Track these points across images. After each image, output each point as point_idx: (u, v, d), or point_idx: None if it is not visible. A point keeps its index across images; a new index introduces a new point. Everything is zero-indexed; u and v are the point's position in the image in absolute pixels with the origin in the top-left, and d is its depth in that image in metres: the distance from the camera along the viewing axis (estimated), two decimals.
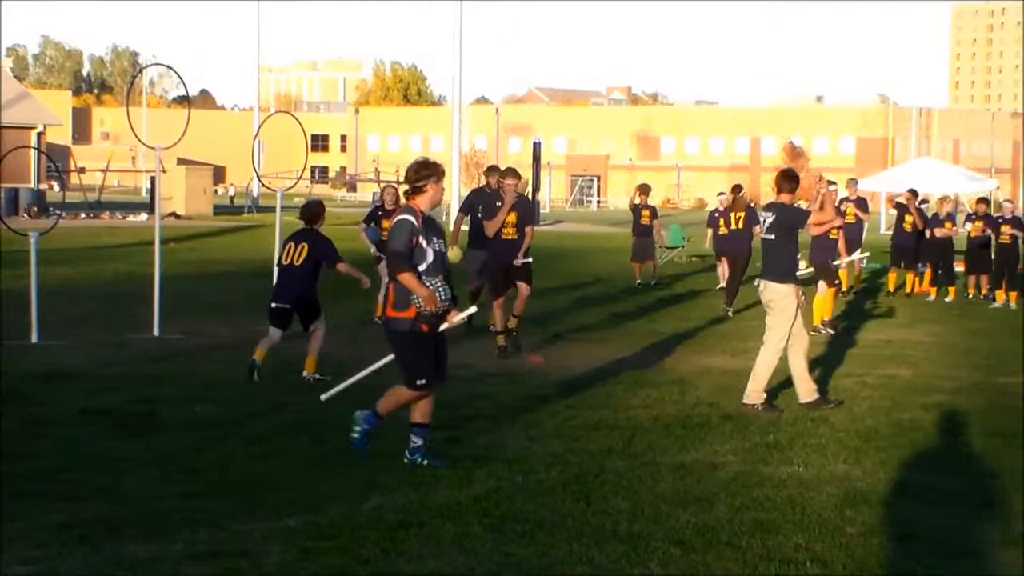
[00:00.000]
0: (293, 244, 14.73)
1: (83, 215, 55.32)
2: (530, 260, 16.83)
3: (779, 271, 12.98)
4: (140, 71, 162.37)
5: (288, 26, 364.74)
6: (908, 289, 27.26)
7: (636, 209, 29.38)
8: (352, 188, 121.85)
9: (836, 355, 17.05)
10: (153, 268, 18.31)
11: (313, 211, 15.15)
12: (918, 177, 46.47)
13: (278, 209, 20.24)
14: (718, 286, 27.75)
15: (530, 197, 30.17)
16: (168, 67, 28.45)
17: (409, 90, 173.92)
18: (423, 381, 9.87)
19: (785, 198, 13.25)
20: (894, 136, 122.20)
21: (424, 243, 9.75)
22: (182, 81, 22.97)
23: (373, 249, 20.22)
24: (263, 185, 32.29)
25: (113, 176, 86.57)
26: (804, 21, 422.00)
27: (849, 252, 27.84)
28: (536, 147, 69.66)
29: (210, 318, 19.85)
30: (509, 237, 16.57)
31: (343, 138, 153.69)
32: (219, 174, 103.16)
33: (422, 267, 9.75)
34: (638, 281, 28.35)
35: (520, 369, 15.33)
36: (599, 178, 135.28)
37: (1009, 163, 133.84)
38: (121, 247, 36.78)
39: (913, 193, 28.55)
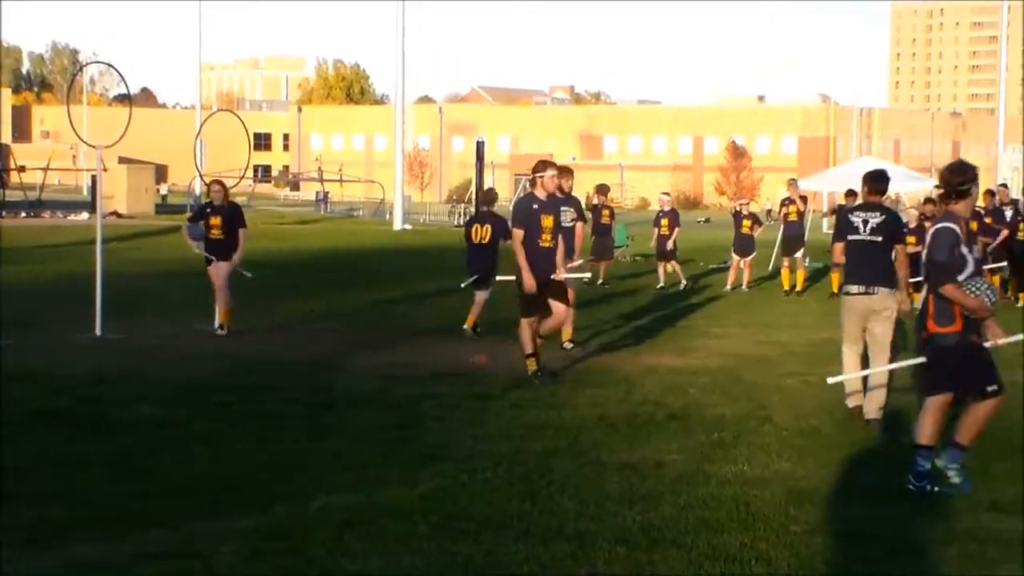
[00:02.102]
0: (479, 225, 18.61)
1: (24, 214, 54.91)
2: (583, 275, 15.47)
3: (891, 277, 12.41)
4: (80, 69, 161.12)
5: (230, 24, 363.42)
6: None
7: (596, 209, 29.49)
8: (295, 187, 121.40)
9: (780, 355, 17.13)
10: (95, 267, 18.20)
11: (491, 196, 19.24)
12: (859, 176, 46.75)
13: None
14: (658, 285, 28.00)
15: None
16: (109, 65, 28.25)
17: (352, 89, 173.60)
18: (994, 387, 9.59)
19: (879, 199, 12.76)
20: (835, 136, 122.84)
21: (965, 251, 9.41)
22: (123, 79, 22.80)
23: (198, 248, 19.01)
24: (205, 184, 32.14)
25: (54, 175, 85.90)
26: (747, 21, 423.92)
27: (792, 251, 28.13)
28: (479, 146, 69.55)
29: (153, 317, 19.74)
30: (547, 245, 14.42)
31: (286, 137, 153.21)
32: (161, 173, 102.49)
33: (962, 276, 9.38)
34: (586, 280, 28.39)
35: (466, 369, 15.31)
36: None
37: (948, 161, 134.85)
38: (63, 246, 36.55)
39: (852, 194, 28.76)
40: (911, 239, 25.73)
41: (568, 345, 17.00)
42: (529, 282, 14.16)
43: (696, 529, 8.25)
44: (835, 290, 27.29)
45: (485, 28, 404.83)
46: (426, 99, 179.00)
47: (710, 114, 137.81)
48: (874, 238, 12.32)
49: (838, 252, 12.97)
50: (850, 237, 12.48)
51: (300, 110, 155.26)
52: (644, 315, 22.13)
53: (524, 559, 7.61)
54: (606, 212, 29.47)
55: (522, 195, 14.95)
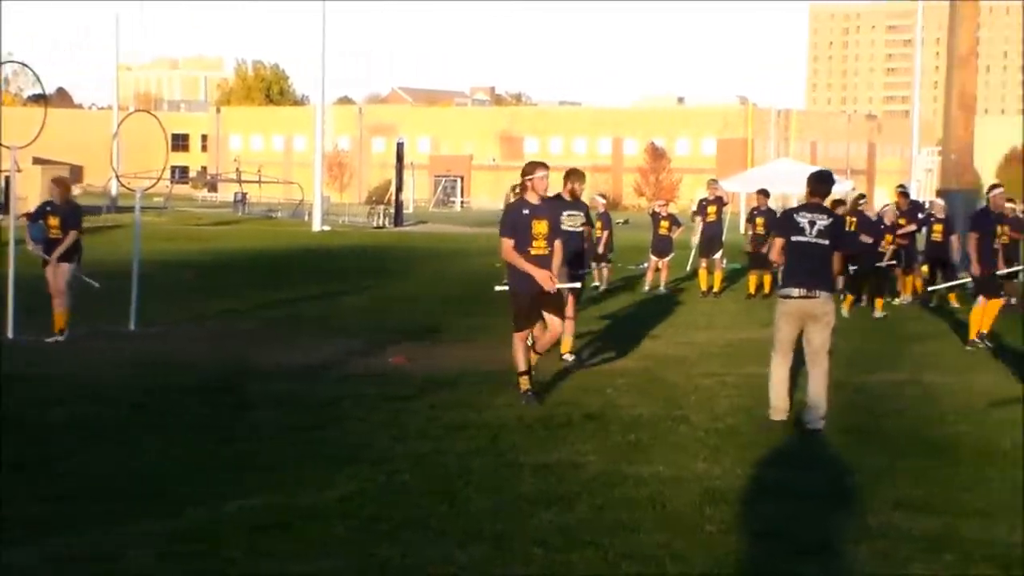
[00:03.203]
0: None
1: None
2: (575, 285, 14.18)
3: (832, 282, 12.30)
4: None
5: (148, 24, 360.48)
6: (767, 290, 27.64)
7: None
8: (213, 188, 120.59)
9: (697, 355, 17.23)
10: (8, 269, 18.01)
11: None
12: (778, 178, 47.21)
13: (137, 209, 20.04)
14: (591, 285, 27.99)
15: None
16: (23, 64, 28.01)
17: (271, 89, 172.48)
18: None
19: (822, 201, 12.49)
20: (754, 137, 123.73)
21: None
22: (38, 79, 22.66)
23: (36, 250, 18.33)
24: (122, 185, 31.83)
25: None
26: (666, 22, 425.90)
27: (710, 252, 28.29)
28: (399, 147, 69.66)
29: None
30: (540, 252, 13.27)
31: (204, 137, 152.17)
32: (77, 174, 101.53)
33: None
34: (505, 281, 28.37)
35: (384, 370, 15.29)
36: (463, 178, 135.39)
37: (864, 164, 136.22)
38: None
39: (764, 193, 29.06)
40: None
41: (568, 357, 16.23)
42: (541, 276, 12.99)
43: (613, 529, 8.28)
44: (752, 291, 27.51)
45: (405, 29, 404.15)
46: (346, 100, 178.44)
47: (630, 115, 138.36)
48: (820, 241, 11.99)
49: (777, 250, 12.37)
50: (794, 238, 12.09)
51: (219, 111, 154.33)
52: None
53: (441, 560, 7.61)
54: None
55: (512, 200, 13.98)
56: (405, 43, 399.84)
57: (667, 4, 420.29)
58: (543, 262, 13.14)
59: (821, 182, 12.46)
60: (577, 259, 16.17)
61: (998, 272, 19.28)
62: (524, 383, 13.20)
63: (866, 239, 24.47)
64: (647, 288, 28.21)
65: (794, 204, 32.92)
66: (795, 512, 8.88)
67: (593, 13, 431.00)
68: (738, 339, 19.25)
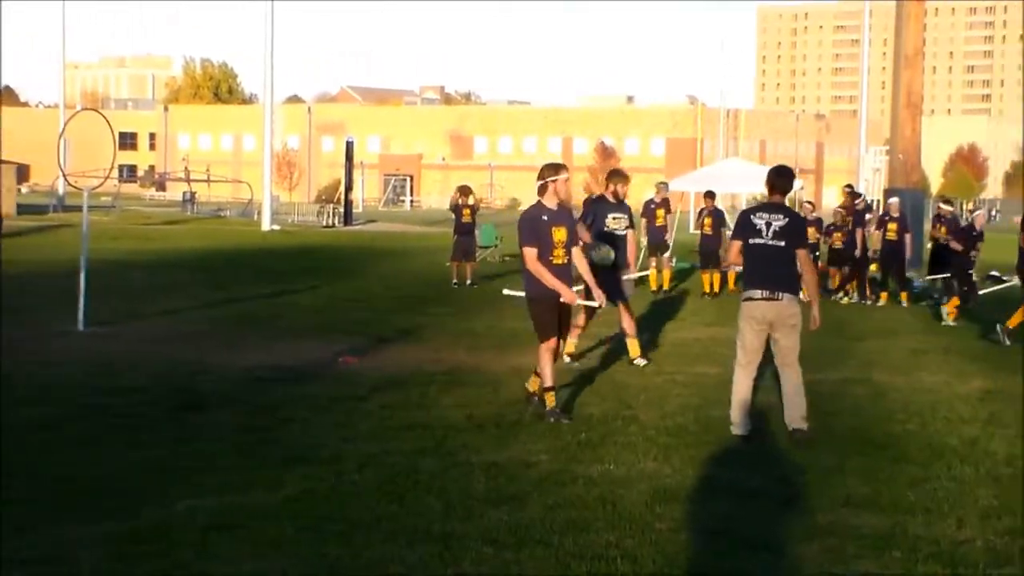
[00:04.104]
0: None
1: None
2: (595, 304, 13.11)
3: (796, 284, 11.81)
4: None
5: (95, 22, 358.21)
6: (716, 288, 27.78)
7: (457, 209, 29.43)
8: (161, 187, 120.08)
9: (647, 354, 17.25)
10: None
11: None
12: (727, 177, 47.35)
13: (84, 208, 19.88)
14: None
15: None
16: None
17: (220, 88, 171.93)
18: None
19: (782, 199, 12.02)
20: (703, 137, 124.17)
21: None
22: None
23: None
24: (69, 184, 31.65)
25: None
26: (614, 21, 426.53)
27: (658, 253, 28.43)
28: (349, 146, 69.50)
29: (8, 320, 19.39)
30: (560, 262, 12.36)
31: (152, 136, 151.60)
32: (23, 173, 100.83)
33: None
34: (454, 281, 28.45)
35: (334, 370, 15.25)
36: (412, 178, 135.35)
37: (813, 163, 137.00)
38: None
39: (711, 195, 29.28)
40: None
41: (565, 359, 15.80)
42: (569, 295, 12.31)
43: (563, 528, 8.30)
44: (707, 290, 27.64)
45: (355, 28, 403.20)
46: (295, 99, 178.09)
47: (579, 115, 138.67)
48: (777, 243, 11.54)
49: (735, 252, 11.89)
50: (751, 240, 11.64)
51: (167, 109, 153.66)
52: (513, 316, 22.17)
53: (391, 560, 7.61)
54: (467, 211, 29.40)
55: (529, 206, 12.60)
56: (355, 42, 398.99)
57: (616, 4, 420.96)
58: (562, 272, 12.33)
59: (780, 177, 11.96)
60: (622, 262, 16.22)
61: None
62: (550, 399, 12.27)
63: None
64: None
65: (743, 203, 33.04)
66: (745, 510, 8.92)
67: (542, 12, 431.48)
68: (689, 338, 19.32)
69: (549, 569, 7.53)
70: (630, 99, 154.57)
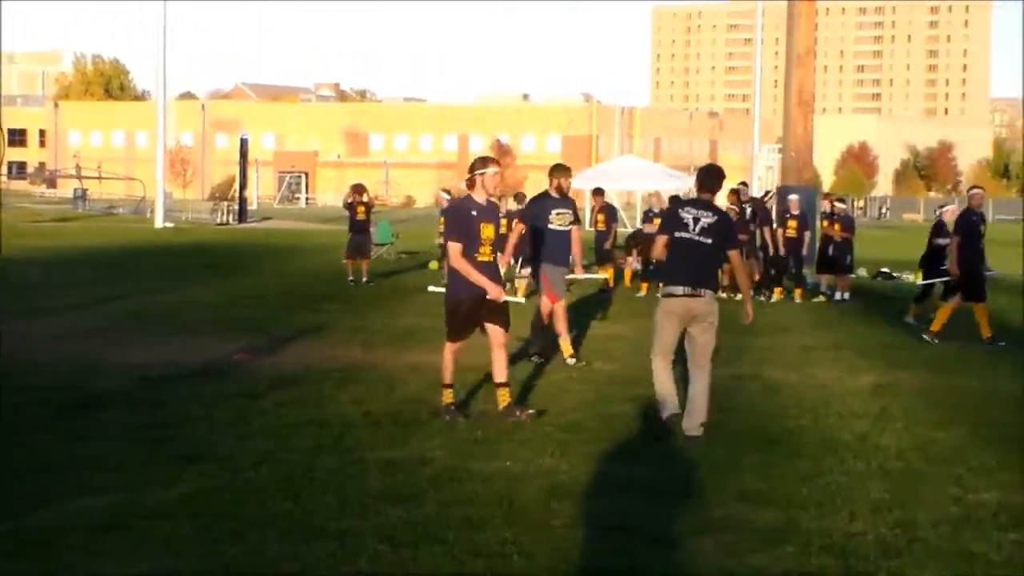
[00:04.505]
0: None
1: None
2: (519, 299, 12.63)
3: (716, 281, 11.78)
4: None
5: None
6: (611, 284, 27.92)
7: (352, 207, 29.34)
8: (51, 184, 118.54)
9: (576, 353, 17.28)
10: None
11: None
12: (621, 174, 47.65)
13: None
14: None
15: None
16: None
17: (111, 84, 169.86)
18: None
19: (711, 197, 11.94)
20: (598, 134, 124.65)
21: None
22: None
23: None
24: None
25: None
26: (510, 18, 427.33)
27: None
28: (243, 143, 69.09)
29: None
30: (486, 259, 12.04)
31: (42, 132, 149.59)
32: None
33: None
34: (350, 278, 28.36)
35: (229, 367, 15.14)
36: (307, 175, 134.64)
37: (706, 161, 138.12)
38: None
39: (599, 192, 29.57)
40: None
41: (571, 361, 15.97)
42: (495, 291, 11.94)
43: (459, 525, 8.29)
44: (607, 286, 27.79)
45: (249, 25, 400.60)
46: (188, 95, 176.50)
47: (475, 112, 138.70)
48: (703, 239, 11.45)
49: (660, 246, 11.80)
50: (677, 234, 11.56)
51: (57, 105, 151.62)
52: (410, 313, 22.15)
53: (287, 558, 7.57)
54: (361, 208, 29.30)
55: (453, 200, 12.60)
56: (249, 39, 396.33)
57: (511, 3, 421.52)
58: (489, 269, 12.02)
59: (710, 176, 11.82)
60: (565, 260, 16.27)
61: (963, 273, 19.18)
62: (448, 396, 12.18)
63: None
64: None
65: (638, 200, 33.18)
66: (640, 506, 8.97)
67: (437, 10, 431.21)
68: (586, 335, 19.37)
69: (445, 566, 7.53)
70: (526, 97, 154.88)
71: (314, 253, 39.87)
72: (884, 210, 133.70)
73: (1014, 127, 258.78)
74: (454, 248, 11.95)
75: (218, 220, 64.38)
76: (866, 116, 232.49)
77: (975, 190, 20.13)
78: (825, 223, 27.62)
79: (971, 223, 19.23)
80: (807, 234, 27.27)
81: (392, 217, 54.37)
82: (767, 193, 31.84)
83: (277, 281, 28.82)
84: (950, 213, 22.26)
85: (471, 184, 12.10)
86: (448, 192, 32.55)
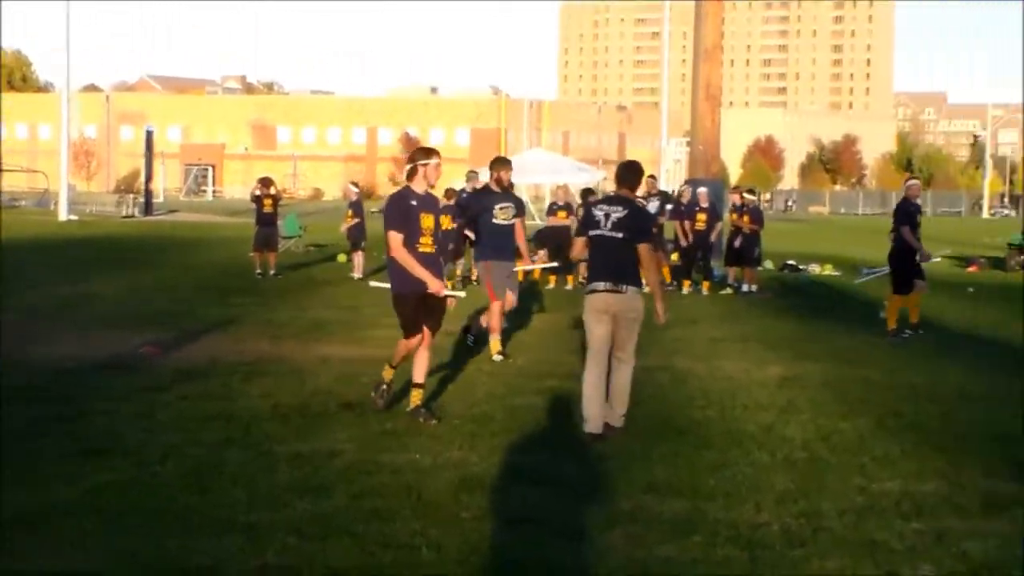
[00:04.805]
0: None
1: None
2: (460, 294, 12.76)
3: (637, 277, 11.63)
4: None
5: None
6: (520, 278, 27.94)
7: (259, 199, 29.20)
8: None
9: (452, 343, 17.29)
10: None
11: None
12: (530, 167, 47.75)
13: None
14: (356, 276, 27.91)
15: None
16: None
17: (13, 76, 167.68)
18: None
19: (628, 193, 11.87)
20: (507, 127, 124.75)
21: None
22: None
23: None
24: None
25: None
26: (417, 11, 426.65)
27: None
28: (148, 135, 68.40)
29: None
30: (427, 250, 11.81)
31: None
32: None
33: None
34: (258, 271, 28.21)
35: (135, 360, 15.00)
36: (214, 167, 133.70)
37: (615, 154, 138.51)
38: None
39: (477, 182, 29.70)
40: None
41: (497, 357, 15.72)
42: (436, 285, 11.71)
43: (368, 518, 8.29)
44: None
45: (154, 17, 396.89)
46: (93, 87, 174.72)
47: (384, 105, 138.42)
48: (615, 234, 11.38)
49: (579, 247, 11.87)
50: (591, 232, 11.56)
51: None
52: (319, 306, 22.08)
53: (195, 552, 7.52)
54: (268, 201, 29.17)
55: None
56: (154, 31, 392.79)
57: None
58: (430, 261, 11.78)
59: (627, 171, 11.79)
60: (511, 254, 16.23)
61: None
62: (388, 374, 12.06)
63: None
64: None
65: (547, 194, 33.26)
66: (549, 498, 8.99)
67: (345, 2, 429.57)
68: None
69: (354, 559, 7.51)
70: (434, 90, 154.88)
71: (221, 246, 39.61)
72: (790, 203, 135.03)
73: (917, 121, 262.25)
74: (395, 238, 11.70)
75: (124, 213, 63.81)
76: (772, 110, 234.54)
77: (912, 181, 20.21)
78: (734, 215, 27.85)
79: (910, 213, 19.44)
80: (716, 226, 27.55)
81: (300, 210, 54.13)
82: (683, 186, 31.98)
83: (184, 274, 28.61)
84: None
85: (412, 175, 11.86)
86: (356, 185, 32.47)
